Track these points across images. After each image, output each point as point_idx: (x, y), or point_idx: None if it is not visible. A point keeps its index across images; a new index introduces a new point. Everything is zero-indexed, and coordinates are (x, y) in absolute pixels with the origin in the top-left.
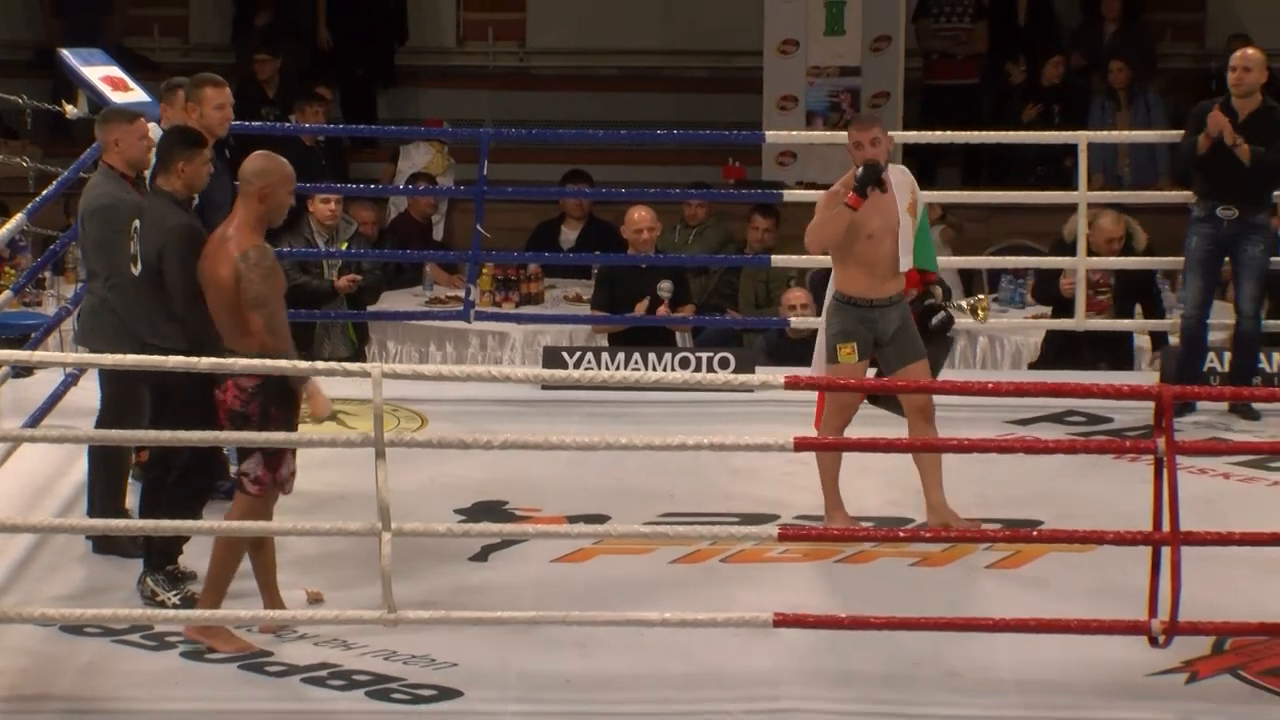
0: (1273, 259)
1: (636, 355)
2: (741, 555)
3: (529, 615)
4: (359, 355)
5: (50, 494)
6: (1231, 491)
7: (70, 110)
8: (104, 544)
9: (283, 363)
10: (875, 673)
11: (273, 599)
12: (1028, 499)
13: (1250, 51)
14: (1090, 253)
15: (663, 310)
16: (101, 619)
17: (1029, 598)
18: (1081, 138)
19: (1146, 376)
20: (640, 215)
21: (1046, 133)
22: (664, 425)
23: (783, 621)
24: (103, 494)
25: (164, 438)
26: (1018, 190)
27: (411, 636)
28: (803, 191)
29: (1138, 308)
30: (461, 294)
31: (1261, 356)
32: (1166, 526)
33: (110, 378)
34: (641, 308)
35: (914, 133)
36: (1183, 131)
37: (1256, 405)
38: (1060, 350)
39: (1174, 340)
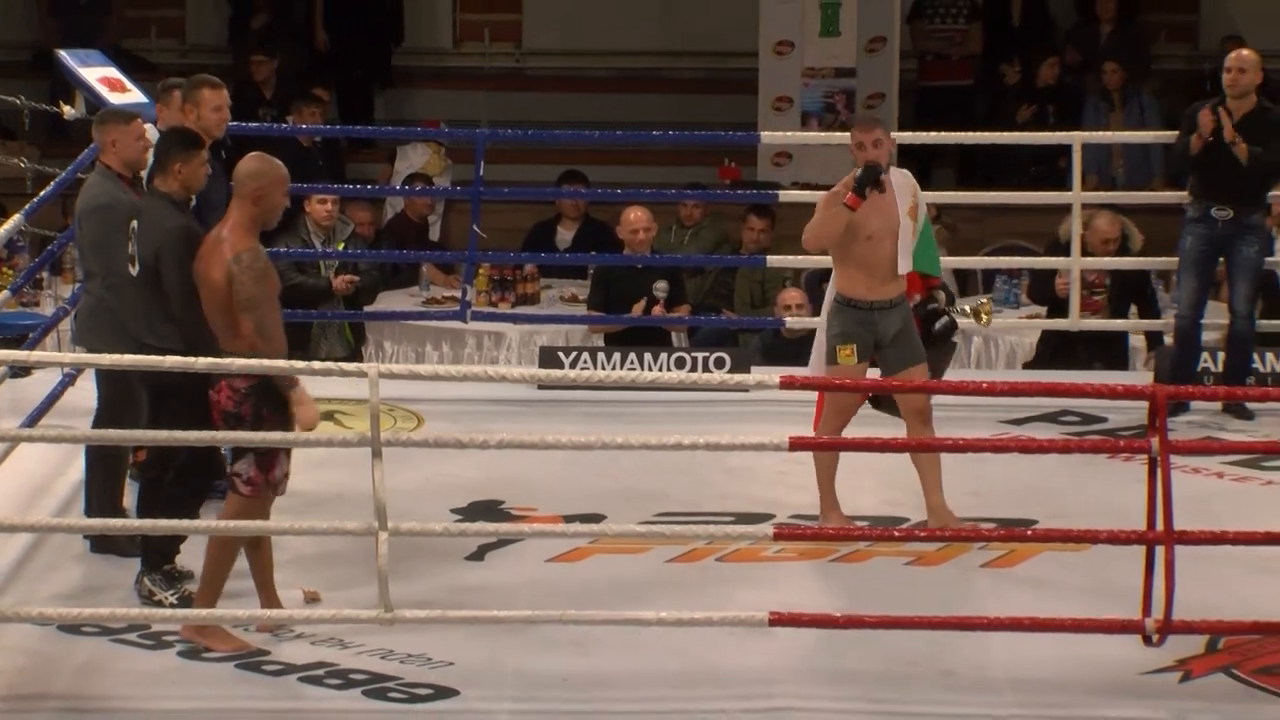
0: (1267, 259)
1: (632, 355)
2: (737, 554)
3: (525, 614)
4: (356, 355)
5: (48, 493)
6: (1225, 491)
7: (68, 111)
8: (101, 543)
9: (280, 363)
10: (870, 671)
11: (270, 598)
12: (1022, 498)
13: (1245, 53)
14: (1086, 253)
15: (658, 310)
16: (99, 618)
17: (1023, 597)
18: (1076, 138)
19: (1141, 376)
20: (636, 216)
21: (1041, 133)
22: (660, 425)
23: (778, 620)
24: (100, 493)
25: (161, 438)
26: (1012, 191)
27: (408, 636)
28: (798, 192)
29: (1133, 308)
30: (458, 294)
31: (1255, 356)
32: (1160, 526)
33: (107, 378)
34: (639, 309)
35: (909, 133)
36: (1176, 132)
37: (1250, 405)
38: (1055, 350)
39: (1169, 340)
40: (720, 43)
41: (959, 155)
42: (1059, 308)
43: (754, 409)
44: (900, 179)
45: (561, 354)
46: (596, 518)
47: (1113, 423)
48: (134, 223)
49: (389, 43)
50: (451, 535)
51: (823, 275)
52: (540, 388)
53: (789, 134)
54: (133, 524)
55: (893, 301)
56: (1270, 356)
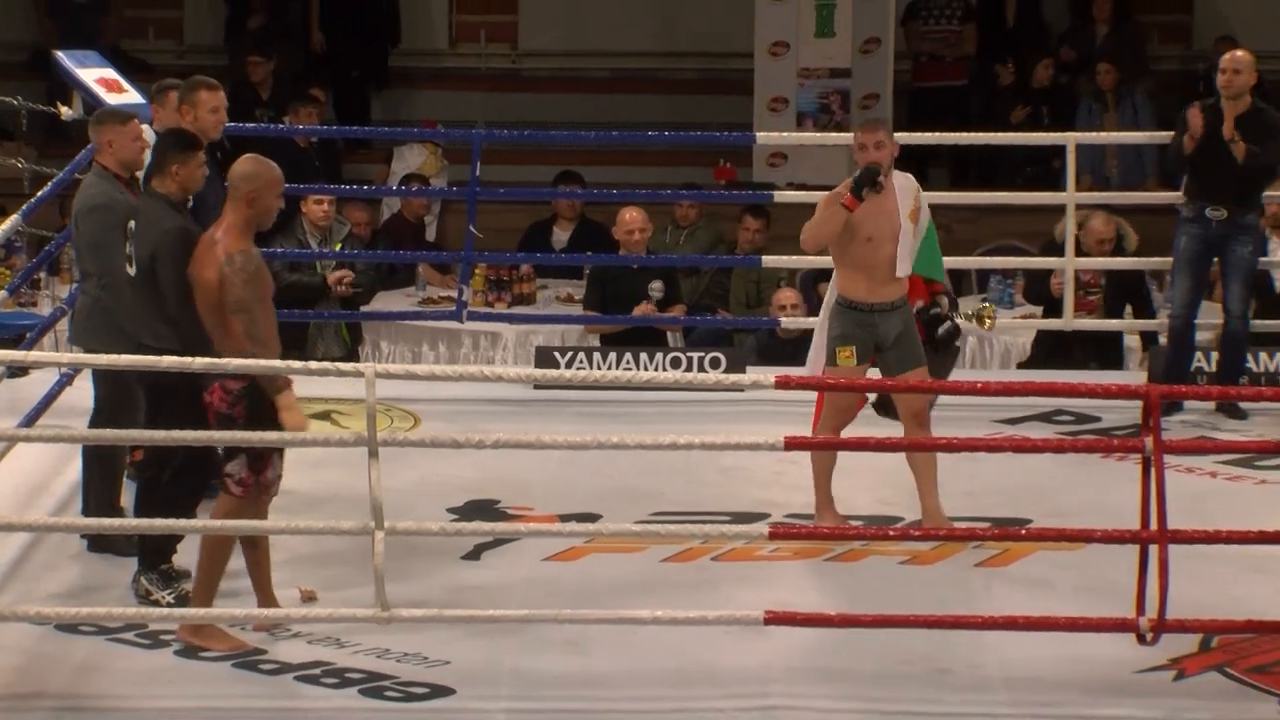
0: (1260, 260)
1: (628, 355)
2: (732, 554)
3: (521, 614)
4: (352, 355)
5: (45, 493)
6: (1218, 490)
7: (65, 112)
8: (99, 543)
9: (276, 363)
10: (865, 670)
11: (267, 597)
12: (1017, 498)
13: (1240, 54)
14: (1081, 253)
15: (648, 308)
16: (96, 617)
17: (1018, 596)
18: (1070, 139)
19: (1135, 376)
20: (632, 216)
21: (1035, 134)
22: (655, 425)
23: (773, 619)
24: (97, 493)
25: (158, 437)
26: (1006, 191)
27: (404, 635)
28: (793, 193)
29: (1128, 308)
30: (454, 294)
31: (1248, 356)
32: (1154, 525)
33: (104, 377)
34: (640, 311)
35: (904, 134)
36: (1169, 133)
37: (1243, 404)
38: (1051, 350)
39: (1163, 340)
40: (716, 44)
41: (953, 156)
42: (1054, 308)
43: (749, 409)
44: (903, 182)
45: (557, 354)
46: (592, 517)
47: (1107, 422)
48: (131, 223)
49: (385, 44)
50: (448, 535)
51: (817, 275)
52: (536, 388)
53: (784, 135)
54: (130, 524)
55: (894, 304)
56: (1264, 356)
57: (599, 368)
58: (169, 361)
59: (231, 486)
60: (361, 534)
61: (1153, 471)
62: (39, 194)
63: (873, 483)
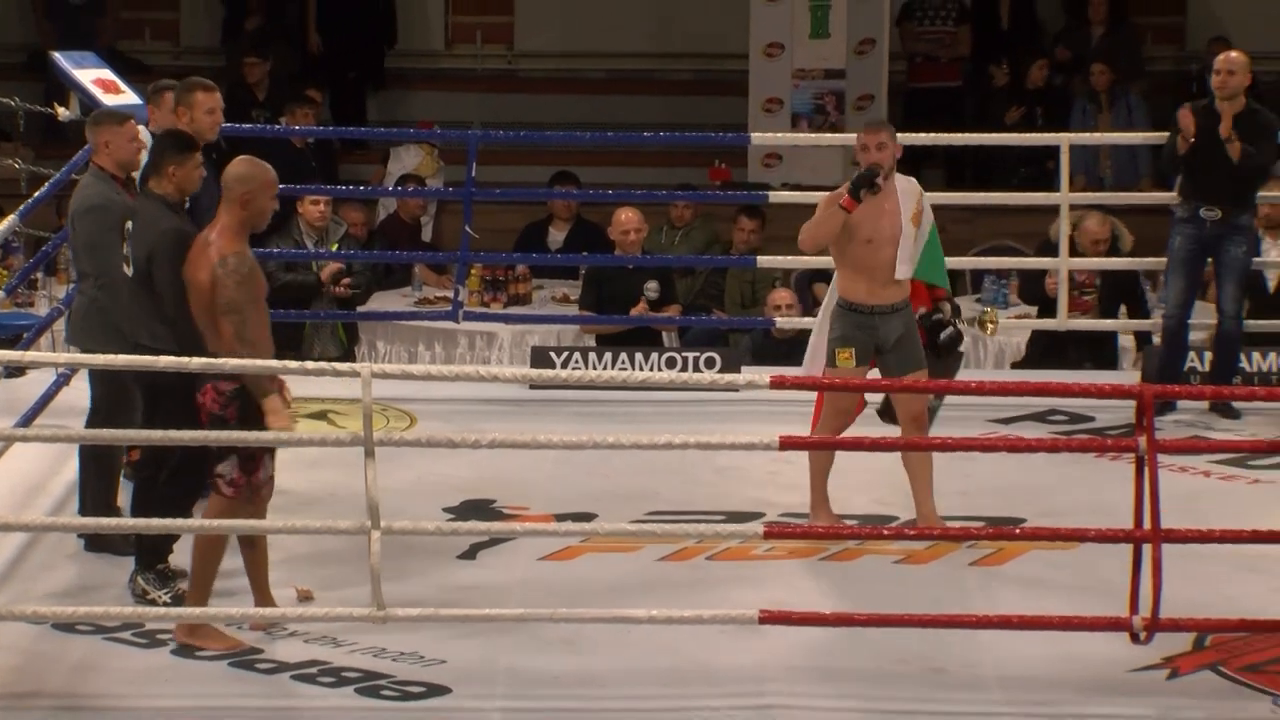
0: (1254, 260)
1: (624, 355)
2: (727, 553)
3: (517, 613)
4: (349, 355)
5: (42, 492)
6: (1212, 489)
7: (62, 112)
8: (96, 542)
9: (273, 363)
10: (859, 669)
11: (264, 597)
12: (1011, 497)
13: (1234, 54)
14: (1076, 253)
15: (642, 307)
16: (93, 617)
17: (1012, 595)
18: (1064, 139)
19: (1129, 376)
20: (627, 216)
21: (1029, 135)
22: (651, 424)
23: (768, 618)
24: (94, 493)
25: (155, 437)
26: (1001, 191)
27: (401, 634)
28: (788, 193)
29: (1122, 308)
30: (450, 294)
31: (1242, 356)
32: (1148, 524)
33: (101, 377)
34: (635, 311)
35: (898, 135)
36: (1163, 133)
37: (1236, 404)
38: (1046, 350)
39: (1156, 340)
40: (711, 45)
41: (948, 157)
42: (1050, 308)
43: (744, 409)
44: (905, 185)
45: (553, 354)
46: (588, 517)
47: (1100, 422)
48: (129, 224)
49: (382, 45)
50: (444, 534)
51: (812, 275)
52: (532, 387)
53: (779, 135)
54: (126, 523)
55: (894, 306)
56: (1256, 356)
57: (594, 368)
58: (166, 361)
59: (222, 487)
60: (358, 533)
61: (1146, 471)
62: (36, 194)
63: (868, 482)
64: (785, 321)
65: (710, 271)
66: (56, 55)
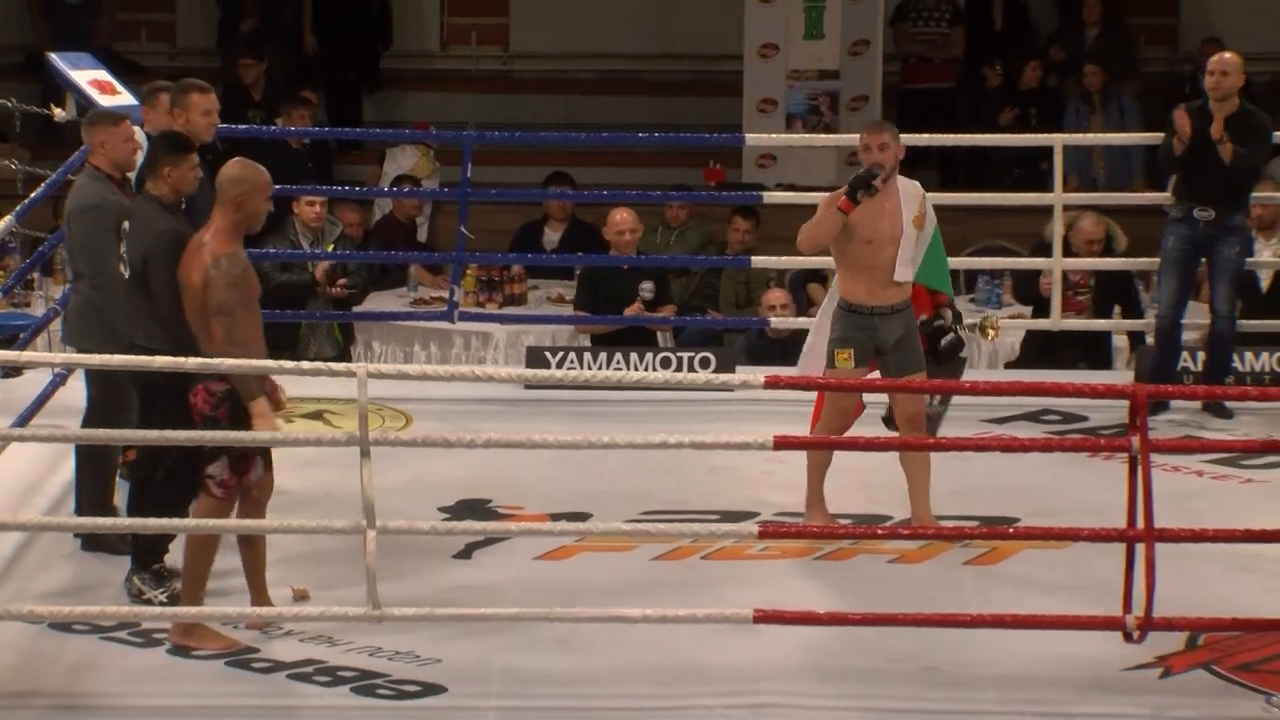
0: (1247, 260)
1: (618, 355)
2: (722, 552)
3: (512, 612)
4: (344, 355)
5: (39, 492)
6: (1205, 489)
7: (58, 113)
8: (92, 542)
9: (268, 364)
10: (853, 668)
11: (261, 597)
12: (1004, 497)
13: (1227, 55)
14: (1071, 253)
15: (637, 308)
16: (89, 616)
17: (1006, 594)
18: (1057, 140)
19: (1122, 376)
20: (622, 217)
21: (1023, 135)
22: (645, 424)
23: (762, 618)
24: (90, 492)
25: (150, 437)
26: (995, 192)
27: (396, 633)
28: (782, 194)
29: (1116, 308)
30: (446, 295)
31: (1235, 356)
32: (1141, 524)
33: (97, 377)
34: (630, 311)
35: None
36: (1156, 134)
37: (1229, 404)
38: (1040, 350)
39: (1150, 340)
40: (705, 46)
41: (942, 157)
42: (1043, 308)
43: (739, 408)
44: (908, 187)
45: (548, 354)
46: (583, 516)
47: (1094, 421)
48: (125, 224)
49: (377, 46)
50: (439, 534)
51: (807, 275)
52: (527, 387)
53: (773, 136)
54: (122, 523)
55: (894, 307)
56: (1249, 356)
57: (590, 368)
58: (161, 362)
59: (213, 488)
60: (353, 533)
61: (1139, 470)
62: (32, 195)
63: (862, 482)
64: (780, 322)
65: (705, 272)
66: (53, 56)
